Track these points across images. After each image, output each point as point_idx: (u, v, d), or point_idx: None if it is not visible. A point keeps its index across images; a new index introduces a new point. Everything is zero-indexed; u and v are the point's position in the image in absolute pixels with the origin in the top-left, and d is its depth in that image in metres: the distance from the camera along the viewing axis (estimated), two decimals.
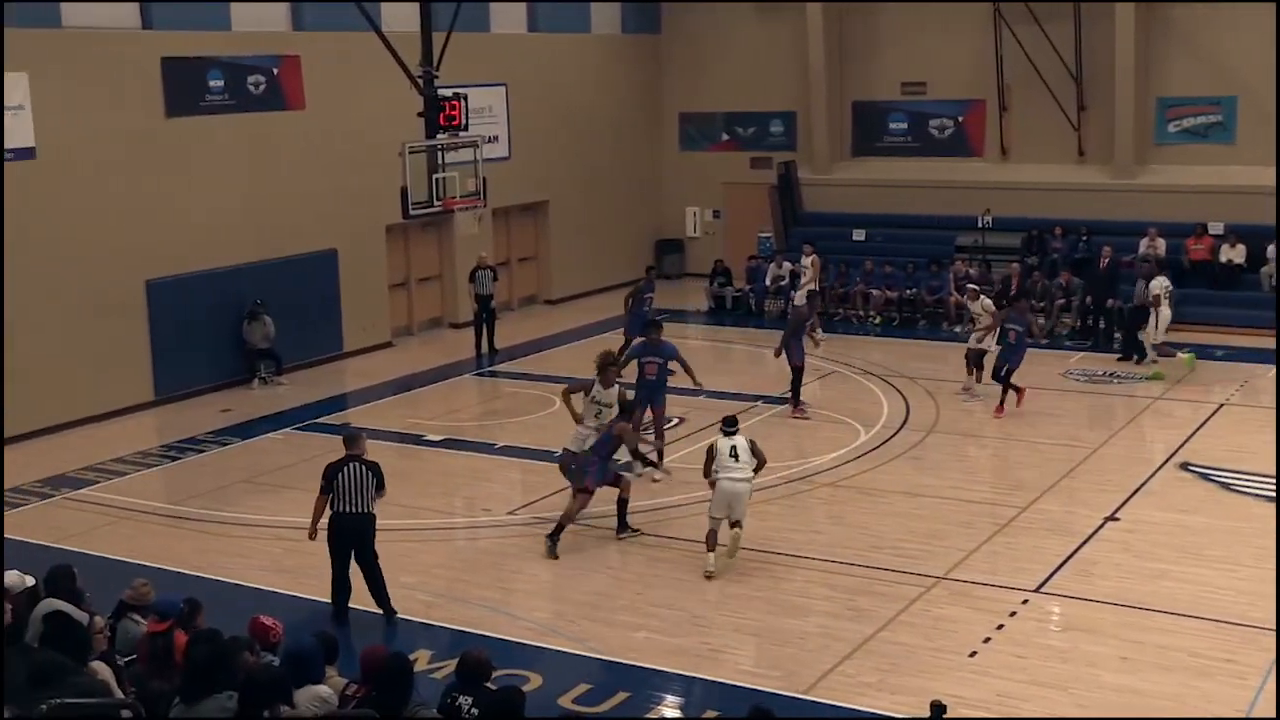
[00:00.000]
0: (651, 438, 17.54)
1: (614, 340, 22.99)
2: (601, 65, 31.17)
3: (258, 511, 16.37)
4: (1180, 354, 22.23)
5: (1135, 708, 10.95)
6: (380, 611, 13.07)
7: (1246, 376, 21.98)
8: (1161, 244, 26.55)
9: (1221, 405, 20.29)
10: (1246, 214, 26.64)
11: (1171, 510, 15.73)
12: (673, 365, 17.66)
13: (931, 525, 15.38)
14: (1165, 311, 22.26)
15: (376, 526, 13.04)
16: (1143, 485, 16.59)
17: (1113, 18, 27.70)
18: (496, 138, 27.47)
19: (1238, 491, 16.39)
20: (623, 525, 15.14)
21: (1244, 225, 26.58)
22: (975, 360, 20.87)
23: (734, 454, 14.05)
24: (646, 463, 16.09)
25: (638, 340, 18.31)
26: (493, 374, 23.71)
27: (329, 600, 13.22)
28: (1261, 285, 25.80)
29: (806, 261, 26.42)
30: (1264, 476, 16.77)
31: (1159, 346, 22.35)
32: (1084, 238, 27.40)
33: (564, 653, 12.28)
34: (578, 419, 15.66)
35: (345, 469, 12.86)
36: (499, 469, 18.11)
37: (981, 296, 21.46)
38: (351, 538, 12.94)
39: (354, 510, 12.83)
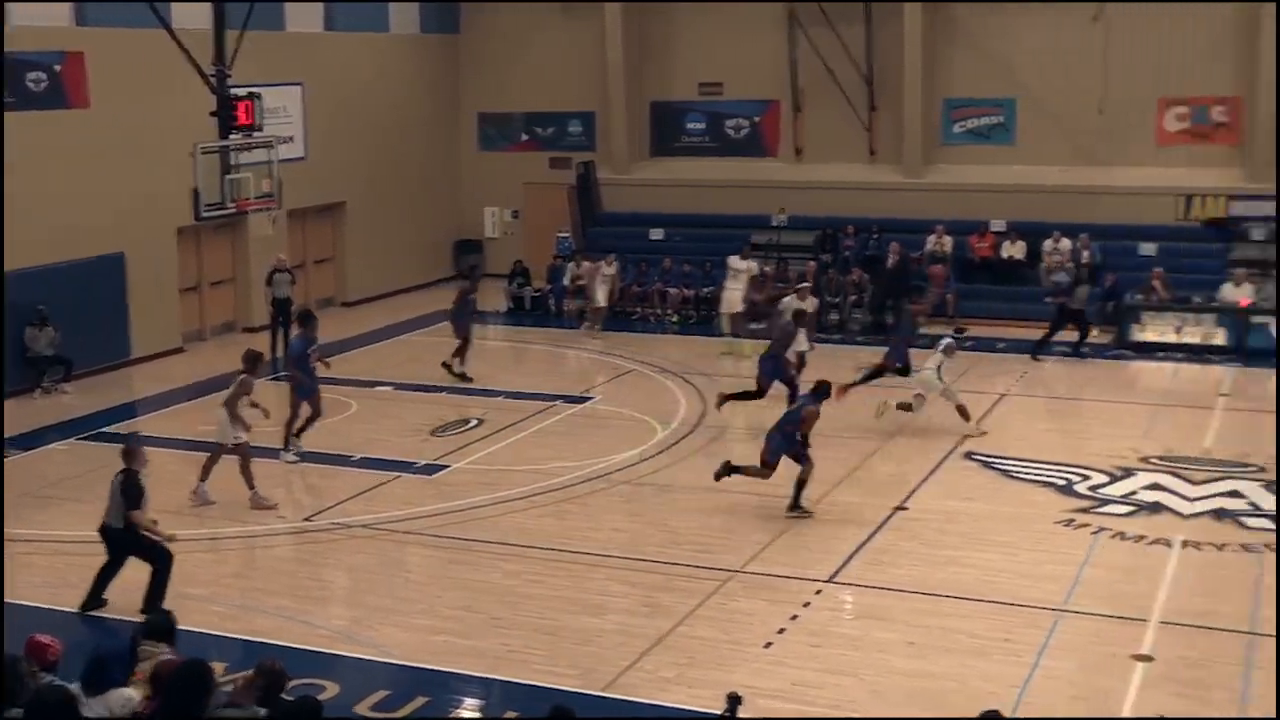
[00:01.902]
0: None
1: (423, 341, 22.79)
2: (400, 65, 30.88)
3: (41, 526, 15.77)
4: (746, 343, 23.73)
5: (923, 690, 11.32)
6: None
7: (1026, 368, 22.86)
8: (948, 241, 27.48)
9: (1002, 396, 21.07)
10: (1026, 211, 27.74)
11: (957, 498, 16.29)
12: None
13: (728, 520, 15.65)
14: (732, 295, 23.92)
15: (130, 540, 13.04)
16: (930, 475, 17.14)
17: (902, 19, 28.52)
18: (292, 138, 27.05)
19: (1018, 479, 17.06)
20: (794, 505, 15.64)
21: (1024, 222, 27.68)
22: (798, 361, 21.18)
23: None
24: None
25: (298, 335, 18.49)
26: (290, 378, 23.26)
27: (119, 615, 12.93)
28: (1040, 280, 26.87)
29: (610, 270, 26.64)
30: (1042, 463, 17.51)
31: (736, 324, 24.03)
32: (875, 235, 28.17)
33: (361, 659, 12.14)
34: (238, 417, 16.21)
35: (113, 479, 13.14)
36: (293, 474, 17.81)
37: (810, 295, 21.85)
38: (108, 546, 13.18)
39: (106, 521, 13.13)
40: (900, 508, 15.93)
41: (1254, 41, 26.63)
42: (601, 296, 26.38)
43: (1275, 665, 11.48)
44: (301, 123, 27.77)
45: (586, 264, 27.64)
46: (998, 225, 27.95)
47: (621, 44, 30.63)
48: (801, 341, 20.99)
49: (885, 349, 20.64)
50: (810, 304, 21.32)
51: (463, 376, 22.10)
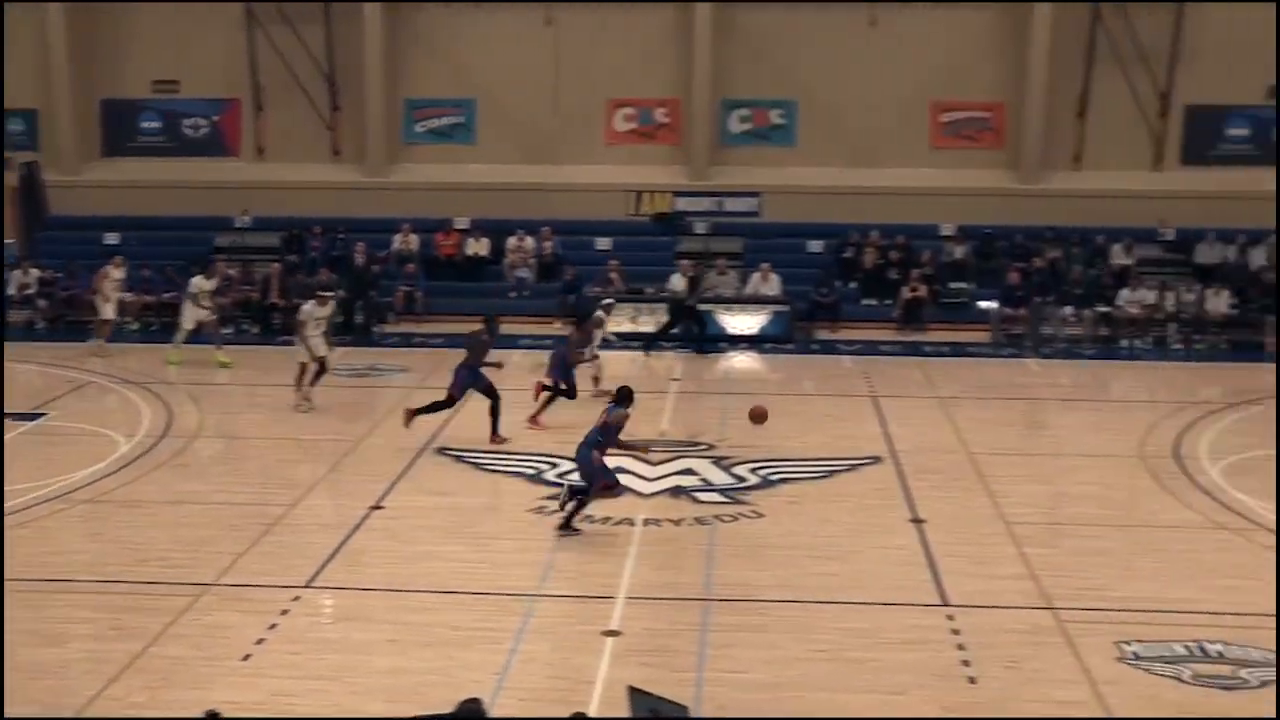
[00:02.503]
0: None
1: None
2: None
3: None
4: (219, 354, 23.64)
5: (404, 686, 11.43)
6: None
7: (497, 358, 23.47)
8: (414, 239, 27.88)
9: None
10: (489, 209, 28.63)
11: (431, 494, 16.55)
12: None
13: (199, 532, 15.17)
14: (193, 311, 23.70)
15: None
16: (404, 472, 17.32)
17: (362, 20, 28.60)
18: None
19: (489, 470, 17.57)
20: (567, 524, 15.00)
21: (487, 220, 28.55)
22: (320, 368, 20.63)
23: None
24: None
25: None
26: None
27: None
28: (505, 276, 27.76)
29: (120, 275, 25.15)
30: (511, 454, 18.12)
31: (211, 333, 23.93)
32: (341, 235, 28.15)
33: None
34: None
35: None
36: None
37: (329, 301, 21.21)
38: None
39: None
40: (376, 507, 16.01)
41: (688, 45, 28.62)
42: (111, 308, 24.69)
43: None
44: None
45: (34, 272, 25.98)
46: (462, 223, 28.63)
47: (65, 40, 29.05)
48: (320, 347, 20.52)
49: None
50: (329, 309, 20.93)
51: None
